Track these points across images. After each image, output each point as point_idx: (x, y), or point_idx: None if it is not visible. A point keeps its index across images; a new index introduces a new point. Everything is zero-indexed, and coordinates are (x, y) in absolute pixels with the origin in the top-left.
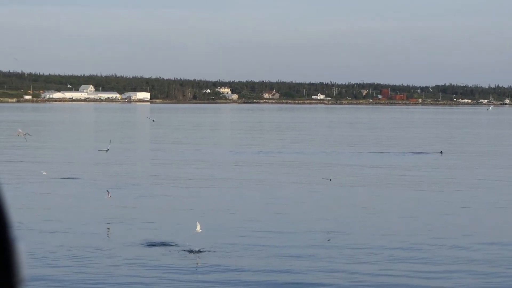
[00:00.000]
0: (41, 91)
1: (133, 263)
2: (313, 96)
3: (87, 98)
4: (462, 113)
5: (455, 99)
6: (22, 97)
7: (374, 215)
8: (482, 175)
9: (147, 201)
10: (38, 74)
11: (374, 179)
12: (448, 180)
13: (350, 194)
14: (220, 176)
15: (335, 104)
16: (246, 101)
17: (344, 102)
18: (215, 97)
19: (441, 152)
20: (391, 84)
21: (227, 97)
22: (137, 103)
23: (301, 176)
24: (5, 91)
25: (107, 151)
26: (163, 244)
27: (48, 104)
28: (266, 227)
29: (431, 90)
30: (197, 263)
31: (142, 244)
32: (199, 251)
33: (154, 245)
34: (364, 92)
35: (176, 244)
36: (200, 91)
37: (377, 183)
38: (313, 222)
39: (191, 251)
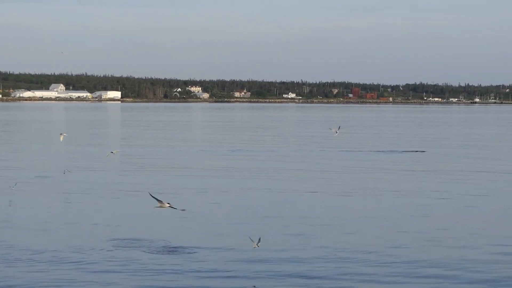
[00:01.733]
0: (11, 90)
1: (108, 266)
2: (284, 95)
3: (58, 97)
4: (433, 112)
5: (425, 98)
6: None
7: (350, 216)
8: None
9: (115, 201)
10: (8, 73)
11: (350, 177)
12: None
13: (320, 195)
14: (190, 175)
15: (306, 103)
16: (217, 100)
17: (315, 101)
18: (186, 96)
19: (421, 151)
20: (361, 83)
21: (198, 96)
22: (108, 102)
23: (270, 175)
24: None
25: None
26: (134, 244)
27: (18, 103)
28: (239, 227)
29: (401, 88)
30: (175, 264)
31: (111, 246)
32: (176, 252)
33: (122, 246)
34: (335, 91)
35: (146, 245)
36: (171, 90)
37: (353, 182)
38: (283, 222)
39: (163, 252)
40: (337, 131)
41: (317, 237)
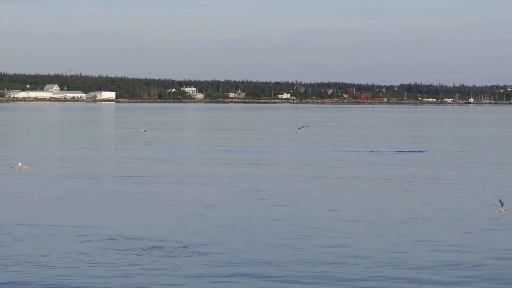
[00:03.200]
0: (5, 91)
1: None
2: (278, 96)
3: (52, 97)
4: (428, 112)
5: (420, 98)
6: None
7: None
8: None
9: (112, 201)
10: (2, 73)
11: (348, 175)
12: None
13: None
14: (188, 175)
15: (301, 103)
16: (211, 100)
17: (309, 101)
18: (181, 97)
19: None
20: (356, 83)
21: (193, 97)
22: (102, 102)
23: (268, 175)
24: None
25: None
26: (124, 241)
27: (13, 104)
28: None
29: (396, 89)
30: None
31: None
32: (185, 251)
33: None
34: (330, 91)
35: (146, 246)
36: (166, 91)
37: (353, 180)
38: (284, 221)
39: (163, 252)
40: (300, 128)
41: (318, 238)
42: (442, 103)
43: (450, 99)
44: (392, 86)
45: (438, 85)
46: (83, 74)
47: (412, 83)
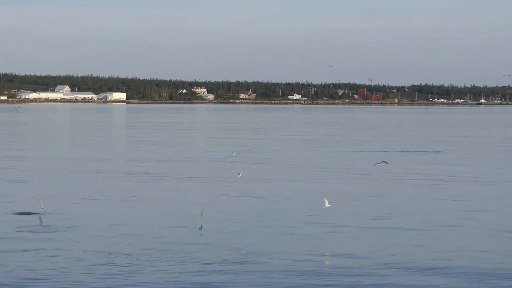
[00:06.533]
0: (16, 92)
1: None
2: (289, 96)
3: (63, 98)
4: (440, 113)
5: (431, 99)
6: None
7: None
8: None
9: (124, 205)
10: (13, 74)
11: (364, 176)
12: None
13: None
14: (199, 175)
15: (311, 104)
16: (222, 101)
17: (320, 102)
18: (191, 97)
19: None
20: (367, 84)
21: (203, 97)
22: (113, 103)
23: (279, 176)
24: None
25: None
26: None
27: (24, 105)
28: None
29: (407, 90)
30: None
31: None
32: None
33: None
34: (340, 92)
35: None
36: (176, 91)
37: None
38: (290, 222)
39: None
40: (379, 163)
41: (326, 240)
42: (453, 103)
43: (461, 100)
44: (403, 87)
45: (449, 86)
46: (94, 75)
47: (423, 84)
